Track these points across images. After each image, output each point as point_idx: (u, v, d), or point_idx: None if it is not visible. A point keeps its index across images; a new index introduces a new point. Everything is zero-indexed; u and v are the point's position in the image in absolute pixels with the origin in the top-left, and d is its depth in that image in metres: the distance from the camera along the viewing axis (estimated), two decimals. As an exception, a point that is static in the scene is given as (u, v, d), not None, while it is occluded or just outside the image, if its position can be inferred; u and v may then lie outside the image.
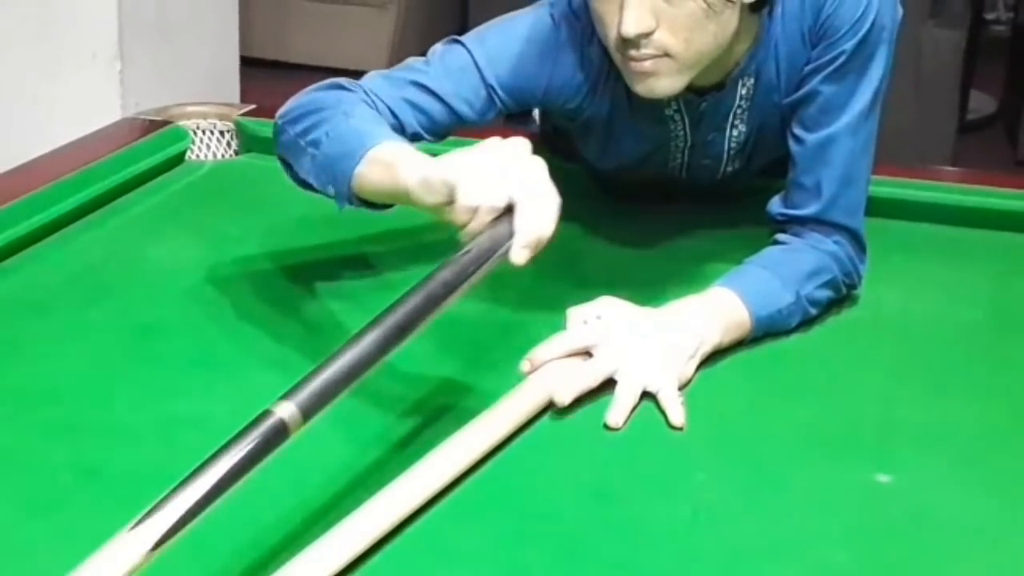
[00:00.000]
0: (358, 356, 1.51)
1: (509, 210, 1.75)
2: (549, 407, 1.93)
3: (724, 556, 1.66)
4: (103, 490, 1.74)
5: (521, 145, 1.81)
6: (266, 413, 1.40)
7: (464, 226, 1.76)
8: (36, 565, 1.58)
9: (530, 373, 1.98)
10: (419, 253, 2.39)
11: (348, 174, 1.95)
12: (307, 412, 1.42)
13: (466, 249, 1.72)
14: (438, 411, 1.91)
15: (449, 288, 1.66)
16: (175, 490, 1.30)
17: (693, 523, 1.73)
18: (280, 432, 1.39)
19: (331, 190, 2.03)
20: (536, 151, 2.50)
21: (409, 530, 1.63)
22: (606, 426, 1.90)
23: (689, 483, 1.82)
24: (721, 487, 1.81)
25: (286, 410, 1.41)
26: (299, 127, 2.11)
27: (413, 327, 1.60)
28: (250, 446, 1.36)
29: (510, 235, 1.74)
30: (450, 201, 1.76)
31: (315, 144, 2.05)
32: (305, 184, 2.11)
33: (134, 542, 1.26)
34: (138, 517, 1.27)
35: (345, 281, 2.35)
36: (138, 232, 2.59)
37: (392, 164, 1.88)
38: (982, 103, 7.90)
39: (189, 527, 1.29)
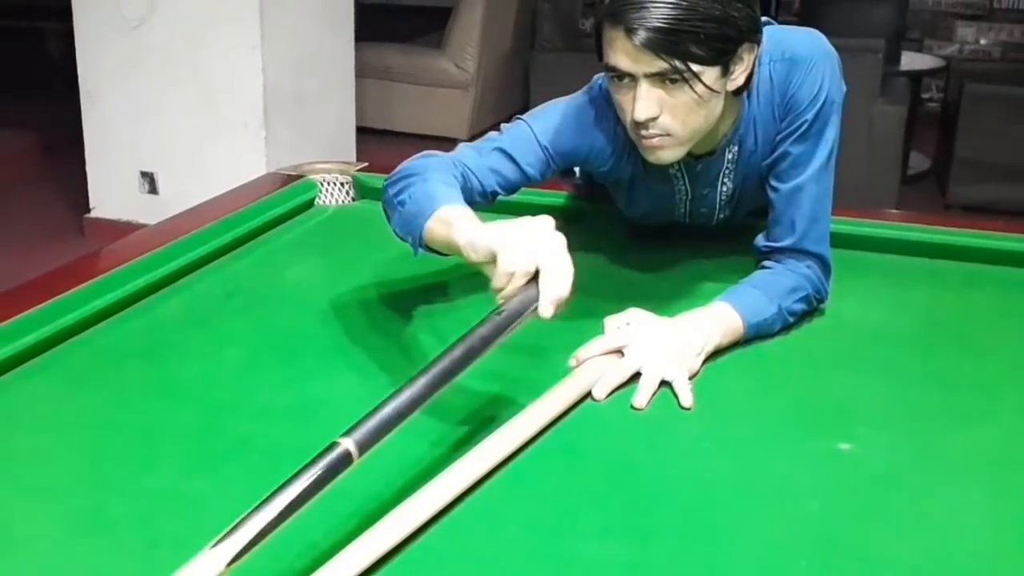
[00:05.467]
0: (411, 397, 1.48)
1: (535, 276, 1.74)
2: (590, 394, 1.93)
3: (725, 505, 1.66)
4: (251, 457, 1.75)
5: (547, 223, 1.80)
6: (332, 445, 1.37)
7: (501, 287, 1.75)
8: (198, 513, 1.59)
9: (575, 367, 1.99)
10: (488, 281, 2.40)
11: (420, 228, 1.96)
12: (363, 447, 1.39)
13: (500, 310, 1.70)
14: (506, 395, 1.91)
15: (486, 342, 1.64)
16: (250, 513, 1.27)
17: (700, 480, 1.72)
18: (344, 461, 1.36)
19: (409, 240, 2.03)
20: (577, 197, 2.51)
21: (485, 485, 1.65)
22: (633, 407, 1.91)
23: (697, 450, 1.82)
24: (721, 453, 1.80)
25: (349, 443, 1.37)
26: (394, 189, 2.11)
27: (456, 374, 1.58)
28: (317, 474, 1.32)
29: (536, 297, 1.72)
30: (490, 262, 1.76)
31: (401, 203, 2.06)
32: (396, 234, 2.11)
33: (215, 557, 1.23)
34: (220, 535, 1.24)
35: (432, 297, 2.35)
36: (278, 260, 2.59)
37: (450, 224, 1.88)
38: (919, 161, 7.90)
39: (261, 545, 1.25)
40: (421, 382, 1.51)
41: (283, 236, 2.71)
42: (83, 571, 1.48)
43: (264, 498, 1.29)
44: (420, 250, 2.00)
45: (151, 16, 5.75)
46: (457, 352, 1.59)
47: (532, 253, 1.74)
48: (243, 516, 1.26)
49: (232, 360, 2.11)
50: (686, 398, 1.93)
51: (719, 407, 1.94)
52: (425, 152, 2.20)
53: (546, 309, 1.71)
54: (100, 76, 5.96)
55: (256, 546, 1.24)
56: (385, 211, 2.16)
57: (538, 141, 2.26)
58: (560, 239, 1.78)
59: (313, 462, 1.33)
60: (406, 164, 2.16)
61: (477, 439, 1.72)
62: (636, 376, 1.97)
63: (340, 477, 1.34)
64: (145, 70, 5.84)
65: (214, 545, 1.23)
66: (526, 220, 1.80)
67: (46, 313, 2.09)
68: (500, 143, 2.26)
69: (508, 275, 1.74)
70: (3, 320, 2.02)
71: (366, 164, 3.03)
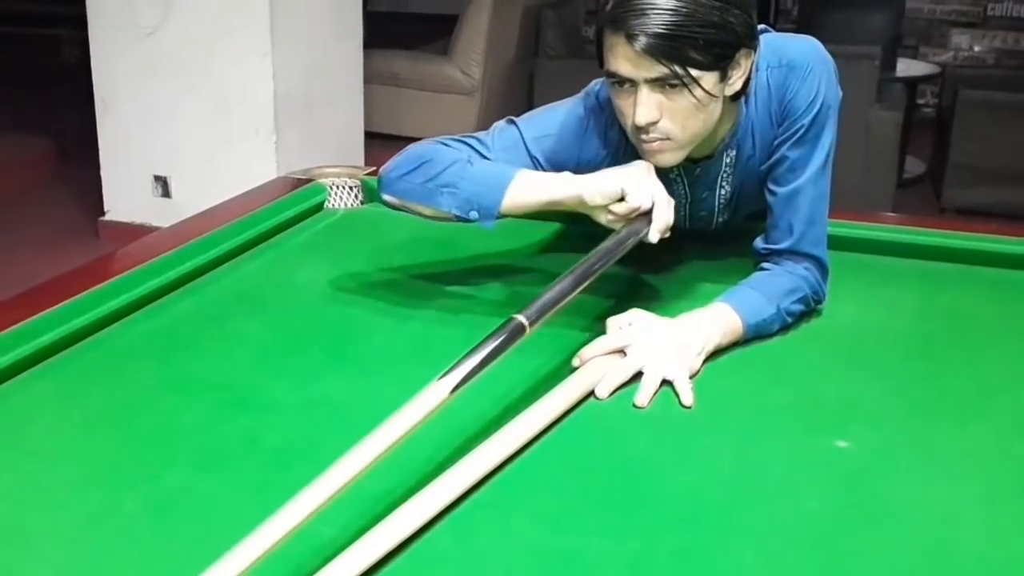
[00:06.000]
0: (561, 290, 1.83)
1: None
2: (593, 393, 1.93)
3: (725, 501, 1.66)
4: (261, 454, 1.75)
5: (649, 167, 2.10)
6: (511, 319, 1.71)
7: (622, 217, 2.05)
8: (210, 509, 1.59)
9: (579, 367, 1.99)
10: (487, 273, 2.41)
11: (497, 200, 2.13)
12: (533, 321, 1.73)
13: (617, 233, 2.03)
14: (511, 393, 1.91)
15: (610, 254, 1.98)
16: (466, 355, 1.60)
17: (700, 477, 1.72)
18: (519, 331, 1.70)
19: (474, 215, 2.15)
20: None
21: (491, 481, 1.65)
22: (635, 406, 1.91)
23: (697, 447, 1.81)
24: (721, 450, 1.80)
25: (523, 317, 1.71)
26: (423, 177, 2.17)
27: (592, 274, 1.92)
28: (503, 336, 1.67)
29: (640, 228, 2.04)
30: (616, 201, 2.06)
31: (453, 185, 2.15)
32: (450, 215, 2.18)
33: (441, 387, 1.54)
34: (444, 372, 1.56)
35: (439, 297, 2.34)
36: (289, 261, 2.59)
37: (543, 184, 2.15)
38: (914, 166, 7.91)
39: (473, 381, 1.58)
40: (568, 280, 1.86)
41: (293, 238, 2.71)
42: (97, 566, 1.48)
43: (471, 348, 1.62)
44: (490, 222, 2.16)
45: (164, 24, 5.76)
46: (589, 261, 1.94)
47: (651, 191, 2.06)
48: (460, 358, 1.60)
49: (243, 359, 2.10)
50: (687, 397, 1.92)
51: (719, 405, 1.94)
52: (412, 146, 2.26)
53: (655, 235, 2.05)
54: (115, 83, 5.98)
55: (470, 381, 1.58)
56: (398, 201, 2.22)
57: (527, 149, 2.27)
58: (659, 181, 2.10)
59: (499, 329, 1.69)
60: (406, 156, 2.23)
61: (483, 437, 1.72)
62: (638, 375, 1.97)
63: (518, 343, 1.70)
64: (159, 77, 5.85)
65: (440, 378, 1.56)
66: (633, 165, 2.11)
67: (62, 313, 2.09)
68: (486, 147, 2.28)
69: (634, 209, 2.05)
70: (20, 320, 2.03)
71: (374, 168, 3.01)
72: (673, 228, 2.08)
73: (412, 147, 2.25)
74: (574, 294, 1.86)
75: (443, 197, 2.15)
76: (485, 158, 2.25)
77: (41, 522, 1.57)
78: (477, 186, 2.14)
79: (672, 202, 2.08)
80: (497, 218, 2.14)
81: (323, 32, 6.07)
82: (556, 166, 2.27)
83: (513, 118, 2.33)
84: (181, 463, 1.73)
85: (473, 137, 2.30)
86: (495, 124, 2.33)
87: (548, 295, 1.80)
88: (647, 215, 2.06)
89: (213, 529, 1.50)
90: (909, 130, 7.41)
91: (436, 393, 1.53)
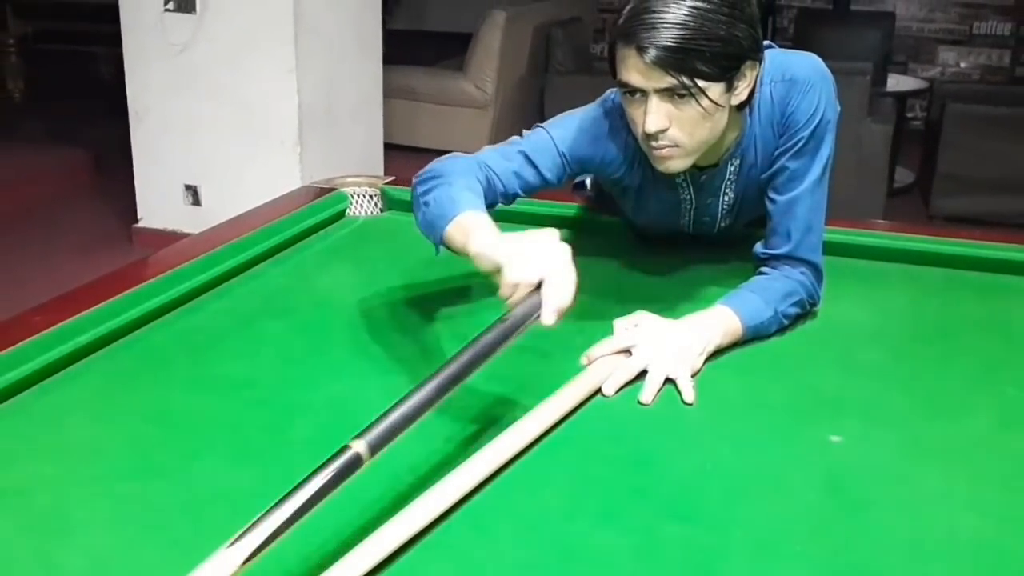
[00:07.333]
0: (420, 401, 1.46)
1: (539, 285, 1.73)
2: (600, 391, 1.93)
3: (724, 493, 1.66)
4: (285, 449, 1.76)
5: (552, 236, 1.80)
6: (344, 448, 1.35)
7: (506, 296, 1.75)
8: (238, 500, 1.59)
9: (587, 366, 1.99)
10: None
11: (441, 230, 1.97)
12: (374, 448, 1.37)
13: (505, 317, 1.70)
14: (521, 392, 1.91)
15: (492, 347, 1.63)
16: (266, 513, 1.25)
17: (702, 470, 1.72)
18: (354, 464, 1.34)
19: (431, 238, 2.03)
20: (589, 209, 2.50)
21: (503, 474, 1.65)
22: (639, 403, 1.91)
23: (698, 442, 1.82)
24: (721, 445, 1.80)
25: (360, 446, 1.35)
26: (421, 189, 2.12)
27: (463, 378, 1.56)
28: (329, 476, 1.31)
29: (540, 305, 1.70)
30: (498, 272, 1.76)
31: (426, 204, 2.06)
32: (421, 231, 2.11)
33: (230, 556, 1.21)
34: (235, 536, 1.22)
35: (453, 302, 2.35)
36: (312, 266, 2.60)
37: (467, 232, 1.89)
38: (904, 176, 7.90)
39: (275, 544, 1.24)
40: (430, 386, 1.50)
41: (316, 245, 2.72)
42: (132, 554, 1.48)
43: (278, 499, 1.27)
44: (441, 248, 2.01)
45: (194, 42, 5.77)
46: (464, 357, 1.58)
47: (537, 265, 1.75)
48: (257, 517, 1.24)
49: (269, 359, 2.11)
50: (689, 395, 1.93)
51: (719, 403, 1.94)
52: (453, 154, 2.21)
53: (548, 317, 1.71)
54: (147, 97, 5.99)
55: (269, 545, 1.23)
56: (413, 208, 2.17)
57: (557, 148, 2.27)
58: (565, 250, 1.78)
59: (325, 464, 1.32)
60: (435, 164, 2.17)
61: (493, 433, 1.72)
62: (643, 374, 1.97)
63: (351, 479, 1.33)
64: (189, 91, 5.87)
65: (229, 545, 1.22)
66: (533, 233, 1.81)
67: (98, 315, 2.09)
68: (523, 148, 2.27)
69: (513, 286, 1.74)
70: (60, 321, 2.03)
71: (393, 178, 3.03)
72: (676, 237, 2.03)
73: (449, 154, 2.23)
74: (435, 405, 1.50)
75: (419, 212, 2.11)
76: (528, 160, 2.25)
77: (80, 512, 1.57)
78: (437, 210, 2.03)
79: (573, 280, 1.76)
80: (443, 245, 2.00)
81: (345, 49, 6.08)
82: (582, 164, 2.30)
83: (540, 124, 2.34)
84: (212, 457, 1.73)
85: (510, 144, 2.30)
86: (525, 131, 2.34)
87: (395, 414, 1.43)
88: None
89: (242, 519, 1.51)
90: (899, 142, 7.40)
91: (222, 566, 1.21)
